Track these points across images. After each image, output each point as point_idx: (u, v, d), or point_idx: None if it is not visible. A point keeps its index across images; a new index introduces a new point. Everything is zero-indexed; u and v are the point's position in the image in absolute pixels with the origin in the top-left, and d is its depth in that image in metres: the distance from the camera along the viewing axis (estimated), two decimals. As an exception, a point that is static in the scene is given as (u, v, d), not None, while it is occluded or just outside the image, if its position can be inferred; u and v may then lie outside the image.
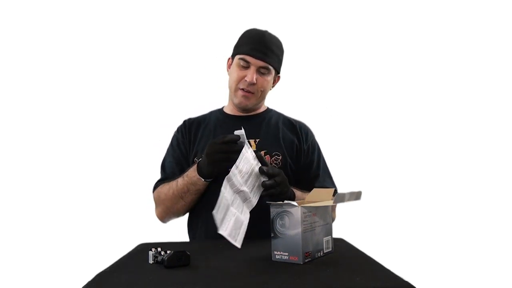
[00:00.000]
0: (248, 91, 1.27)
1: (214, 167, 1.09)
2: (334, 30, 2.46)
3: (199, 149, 1.31)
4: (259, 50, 1.25)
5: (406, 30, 2.46)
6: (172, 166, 1.31)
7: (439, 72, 2.45)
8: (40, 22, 2.34)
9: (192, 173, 1.16)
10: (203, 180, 1.15)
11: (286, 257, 0.84)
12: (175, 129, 1.41)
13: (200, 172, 1.14)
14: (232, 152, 1.01)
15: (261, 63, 1.25)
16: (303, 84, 2.37)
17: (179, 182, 1.20)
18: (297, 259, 0.83)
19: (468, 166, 2.35)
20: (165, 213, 1.27)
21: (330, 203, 0.89)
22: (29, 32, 2.34)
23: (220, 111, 1.42)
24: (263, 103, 1.41)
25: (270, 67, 1.27)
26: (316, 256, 0.87)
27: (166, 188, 1.24)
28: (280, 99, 1.51)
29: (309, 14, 2.48)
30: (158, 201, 1.28)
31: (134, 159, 2.19)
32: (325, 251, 0.91)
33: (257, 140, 1.31)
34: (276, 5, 2.43)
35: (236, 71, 1.28)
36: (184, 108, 1.85)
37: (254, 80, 1.25)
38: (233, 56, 1.33)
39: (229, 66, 1.36)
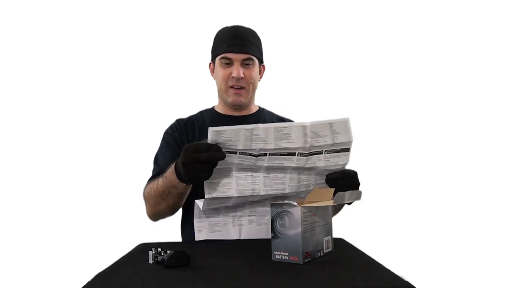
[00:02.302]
0: (239, 87, 1.28)
1: (193, 179, 0.93)
2: (324, 28, 2.47)
3: None
4: (237, 44, 1.26)
5: (401, 28, 2.46)
6: (169, 163, 1.23)
7: (437, 71, 2.45)
8: (33, 21, 2.34)
9: (171, 175, 1.02)
10: (185, 184, 1.02)
11: (286, 257, 0.84)
12: (165, 128, 1.38)
13: (179, 177, 0.99)
14: (212, 163, 0.88)
15: (243, 56, 1.26)
16: (293, 82, 2.38)
17: (160, 182, 1.10)
18: (297, 259, 0.82)
19: (468, 166, 2.35)
20: (150, 212, 1.22)
21: (330, 203, 0.89)
22: (18, 31, 2.34)
23: (212, 111, 1.41)
24: (254, 100, 1.41)
25: (253, 58, 1.28)
26: (316, 256, 0.87)
27: (149, 186, 1.18)
28: (270, 98, 1.53)
29: (299, 11, 2.49)
30: (145, 198, 1.23)
31: (133, 159, 2.19)
32: (325, 251, 0.91)
33: None
34: (269, 4, 2.44)
35: (221, 71, 1.28)
36: (174, 106, 1.88)
37: (241, 74, 1.25)
38: (213, 59, 1.34)
39: (212, 70, 1.37)
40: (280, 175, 0.98)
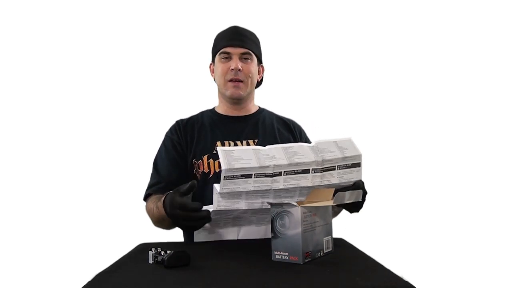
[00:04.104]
0: (237, 80, 1.30)
1: (178, 226, 1.01)
2: (323, 29, 2.47)
3: (197, 151, 1.30)
4: (236, 39, 1.30)
5: (401, 28, 2.46)
6: (167, 169, 1.29)
7: (437, 72, 2.45)
8: (35, 21, 2.34)
9: (162, 209, 1.03)
10: None
11: (286, 257, 0.84)
12: (167, 129, 1.39)
13: (173, 222, 1.02)
14: (195, 221, 0.92)
15: (241, 50, 1.30)
16: (293, 83, 2.38)
17: (155, 209, 1.14)
18: (297, 259, 0.82)
19: (468, 166, 2.35)
20: (153, 224, 1.26)
21: (330, 203, 0.89)
22: (18, 31, 2.34)
23: (212, 111, 1.41)
24: (253, 99, 1.42)
25: (251, 53, 1.31)
26: (316, 256, 0.87)
27: (149, 206, 1.22)
28: (270, 98, 1.53)
29: (298, 13, 2.49)
30: (146, 212, 1.27)
31: (133, 159, 2.19)
32: (325, 251, 0.90)
33: (256, 140, 1.31)
34: (268, 5, 2.44)
35: (220, 66, 1.31)
36: (174, 107, 1.88)
37: (239, 67, 1.28)
38: (213, 59, 1.38)
39: (212, 71, 1.40)
40: (289, 195, 0.97)
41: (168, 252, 0.84)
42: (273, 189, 0.94)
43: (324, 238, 0.91)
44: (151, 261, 0.86)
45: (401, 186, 2.26)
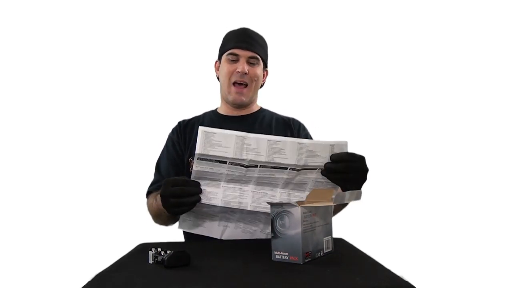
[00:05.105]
0: (242, 83, 1.30)
1: (169, 212, 0.97)
2: (326, 29, 2.47)
3: (193, 149, 1.31)
4: (245, 41, 1.30)
5: (402, 28, 2.46)
6: (167, 168, 1.31)
7: (438, 71, 2.45)
8: (38, 22, 2.34)
9: (159, 201, 1.03)
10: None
11: (286, 257, 0.84)
12: (170, 130, 1.41)
13: (163, 206, 1.00)
14: (186, 197, 0.92)
15: (249, 53, 1.29)
16: (297, 83, 2.38)
17: (154, 203, 1.14)
18: (297, 259, 0.82)
19: (468, 165, 2.35)
20: (153, 220, 1.26)
21: (330, 203, 0.89)
22: (22, 32, 2.34)
23: (214, 112, 1.43)
24: (256, 101, 1.42)
25: (259, 57, 1.31)
26: (316, 256, 0.87)
27: (150, 201, 1.23)
28: (275, 99, 1.53)
29: (300, 14, 2.49)
30: (147, 208, 1.27)
31: (133, 159, 2.19)
32: (325, 251, 0.91)
33: None
34: (271, 4, 2.44)
35: (226, 67, 1.31)
36: (179, 109, 1.88)
37: (246, 70, 1.28)
38: (219, 57, 1.37)
39: (217, 68, 1.39)
40: (269, 192, 0.97)
41: (168, 252, 0.84)
42: (252, 191, 0.94)
43: (324, 238, 0.91)
44: (151, 261, 0.86)
45: (401, 186, 2.26)
